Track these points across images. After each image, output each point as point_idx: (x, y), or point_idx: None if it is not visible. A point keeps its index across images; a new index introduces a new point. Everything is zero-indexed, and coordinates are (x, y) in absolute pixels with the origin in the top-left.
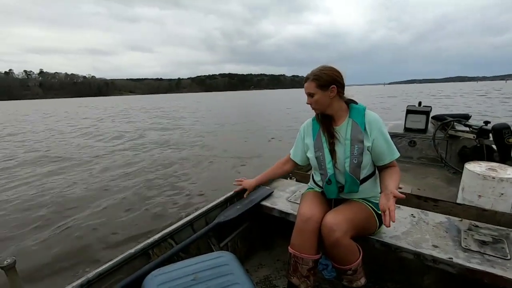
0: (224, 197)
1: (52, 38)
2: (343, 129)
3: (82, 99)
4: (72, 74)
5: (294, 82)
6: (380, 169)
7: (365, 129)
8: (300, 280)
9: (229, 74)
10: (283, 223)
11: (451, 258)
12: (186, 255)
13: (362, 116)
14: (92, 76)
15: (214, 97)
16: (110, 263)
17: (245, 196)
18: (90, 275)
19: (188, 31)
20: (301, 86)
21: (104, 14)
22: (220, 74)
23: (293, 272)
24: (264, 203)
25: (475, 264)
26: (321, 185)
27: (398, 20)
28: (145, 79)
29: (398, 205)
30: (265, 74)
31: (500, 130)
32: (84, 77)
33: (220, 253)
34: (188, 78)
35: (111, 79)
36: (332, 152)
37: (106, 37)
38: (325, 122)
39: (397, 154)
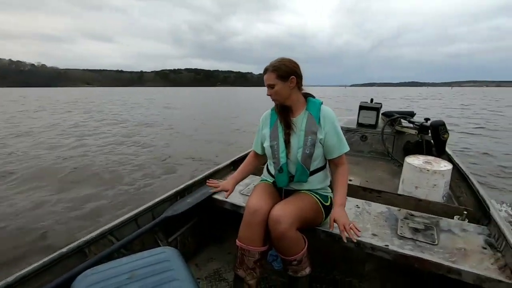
0: (174, 190)
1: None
2: (300, 120)
3: (28, 89)
4: (18, 61)
5: (261, 80)
6: (330, 163)
7: (319, 122)
8: (246, 272)
9: (195, 69)
10: (235, 216)
11: (387, 246)
12: (128, 252)
13: (318, 109)
14: (42, 65)
15: (177, 92)
16: (38, 263)
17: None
18: (10, 279)
19: (155, 23)
20: None
21: None
22: (185, 69)
23: (240, 265)
24: (217, 196)
25: (407, 250)
26: (272, 173)
27: (361, 27)
28: (105, 70)
29: (347, 197)
30: (232, 71)
31: (437, 127)
32: (33, 65)
33: (162, 249)
34: (152, 72)
35: (65, 69)
36: (287, 142)
37: (63, 23)
38: (283, 113)
39: (346, 149)
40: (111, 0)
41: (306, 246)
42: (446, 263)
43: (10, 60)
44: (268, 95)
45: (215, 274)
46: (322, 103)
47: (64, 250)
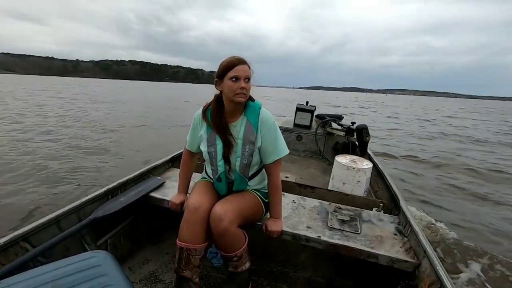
0: (104, 189)
1: None
2: (237, 127)
3: None
4: None
5: (211, 78)
6: (265, 168)
7: (257, 130)
8: (193, 271)
9: (141, 62)
10: (174, 215)
11: (320, 236)
12: (48, 260)
13: (257, 115)
14: None
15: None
16: None
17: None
18: None
19: (97, 8)
20: None
21: None
22: (130, 61)
23: (185, 265)
24: (154, 194)
25: (336, 239)
26: (212, 177)
27: (311, 32)
28: (30, 56)
29: (284, 193)
30: (182, 67)
31: (361, 130)
32: None
33: (91, 253)
34: (90, 61)
35: None
36: (224, 150)
37: None
38: (220, 117)
39: (281, 154)
40: None
41: (246, 242)
42: (367, 249)
43: None
44: (242, 87)
45: (151, 277)
46: (261, 107)
47: None
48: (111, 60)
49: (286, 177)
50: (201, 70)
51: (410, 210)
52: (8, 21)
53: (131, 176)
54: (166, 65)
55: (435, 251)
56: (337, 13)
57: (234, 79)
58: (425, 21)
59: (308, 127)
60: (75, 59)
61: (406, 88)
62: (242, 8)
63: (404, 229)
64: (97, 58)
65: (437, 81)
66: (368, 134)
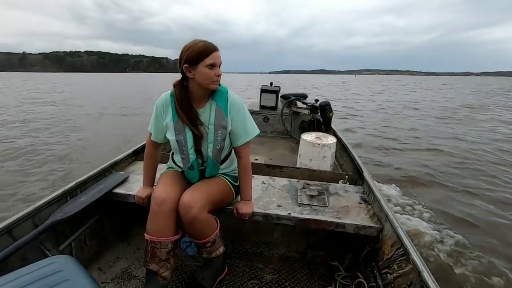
0: (62, 190)
1: None
2: (206, 112)
3: None
4: None
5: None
6: (234, 150)
7: (227, 113)
8: (159, 265)
9: (98, 52)
10: (141, 210)
11: (290, 213)
12: (3, 273)
13: (225, 99)
14: None
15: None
16: None
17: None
18: None
19: None
20: None
21: None
22: (86, 52)
23: (151, 259)
24: (117, 190)
25: (305, 214)
26: (181, 166)
27: (278, 15)
28: None
29: (253, 175)
30: (145, 56)
31: (324, 107)
32: None
33: (51, 259)
34: (40, 54)
35: None
36: (195, 137)
37: None
38: (186, 105)
39: (251, 135)
40: None
41: (218, 227)
42: (335, 220)
43: None
44: (219, 74)
45: (124, 274)
46: (228, 91)
47: None
48: (64, 52)
49: (256, 159)
50: (166, 58)
51: (372, 180)
52: None
53: (91, 173)
54: (127, 54)
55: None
56: None
57: (210, 66)
58: (389, 1)
59: (274, 108)
60: (21, 52)
61: (371, 68)
62: None
63: (368, 197)
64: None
65: (400, 61)
66: (331, 110)
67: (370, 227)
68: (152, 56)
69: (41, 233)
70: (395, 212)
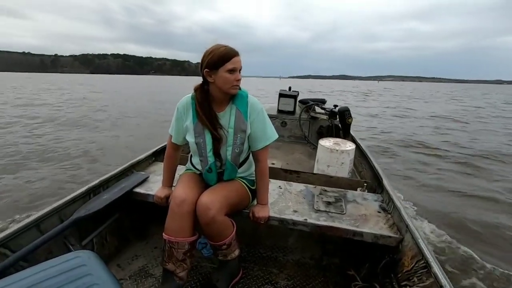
0: (86, 187)
1: None
2: (226, 116)
3: None
4: None
5: (198, 69)
6: (252, 154)
7: (247, 118)
8: (176, 264)
9: (124, 55)
10: (160, 210)
11: (306, 219)
12: (30, 265)
13: (246, 104)
14: None
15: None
16: None
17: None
18: None
19: (80, 0)
20: None
21: None
22: (112, 54)
23: (168, 258)
24: (138, 189)
25: (322, 221)
26: (199, 168)
27: (300, 19)
28: (4, 51)
29: (270, 179)
30: (168, 59)
31: (343, 112)
32: None
33: (75, 253)
34: (70, 56)
35: None
36: (214, 140)
37: None
38: (207, 108)
39: (270, 140)
40: None
41: (234, 230)
42: (352, 228)
43: None
44: (239, 79)
45: (141, 272)
46: (248, 95)
47: None
48: (92, 54)
49: (273, 163)
50: (188, 61)
51: (393, 188)
52: None
53: (113, 172)
54: (151, 57)
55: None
56: None
57: (230, 71)
58: (413, 6)
59: (292, 112)
60: (53, 54)
61: (395, 74)
62: None
63: (388, 206)
64: (79, 52)
65: (425, 67)
66: (350, 116)
67: (390, 237)
68: (175, 59)
69: (66, 228)
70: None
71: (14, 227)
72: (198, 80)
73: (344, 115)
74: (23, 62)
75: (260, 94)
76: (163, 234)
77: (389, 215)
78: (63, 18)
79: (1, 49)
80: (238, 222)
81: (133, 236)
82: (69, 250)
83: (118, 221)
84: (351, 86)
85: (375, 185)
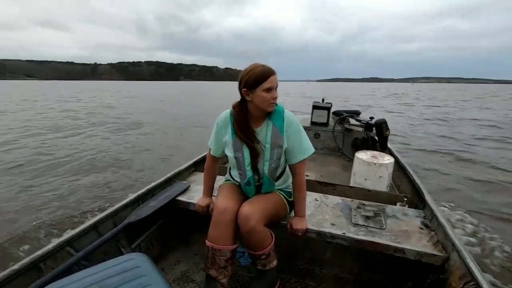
0: (135, 195)
1: None
2: (263, 132)
3: None
4: None
5: (227, 74)
6: (289, 167)
7: (283, 133)
8: (218, 271)
9: (156, 62)
10: (200, 218)
11: (345, 233)
12: (90, 263)
13: (282, 119)
14: None
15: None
16: None
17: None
18: None
19: (117, 11)
20: (234, 80)
21: None
22: (146, 62)
23: (211, 265)
24: (180, 198)
25: (361, 235)
26: (238, 181)
27: (329, 22)
28: (52, 61)
29: (306, 191)
30: (197, 65)
31: (380, 125)
32: None
33: (130, 255)
34: (108, 64)
35: (3, 59)
36: (252, 155)
37: (8, 7)
38: (245, 124)
39: (307, 154)
40: None
41: (273, 241)
42: (393, 244)
43: None
44: (275, 97)
45: (183, 277)
46: (284, 110)
47: (15, 267)
48: (128, 62)
49: (307, 175)
50: (216, 67)
51: (436, 204)
52: (34, 29)
53: (158, 181)
54: (181, 64)
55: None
56: (355, 0)
57: (267, 90)
58: (450, 4)
59: (325, 124)
60: (93, 63)
61: (430, 76)
62: (258, 2)
63: (431, 222)
64: (115, 60)
65: (464, 67)
66: (387, 128)
67: (434, 255)
68: (204, 65)
69: (119, 232)
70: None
71: (78, 229)
72: (227, 84)
73: (381, 127)
74: (67, 71)
75: (288, 99)
76: (206, 241)
77: (433, 232)
78: (102, 28)
79: (49, 59)
80: (276, 233)
81: (175, 242)
82: (121, 252)
83: (162, 227)
84: (382, 88)
85: (416, 200)
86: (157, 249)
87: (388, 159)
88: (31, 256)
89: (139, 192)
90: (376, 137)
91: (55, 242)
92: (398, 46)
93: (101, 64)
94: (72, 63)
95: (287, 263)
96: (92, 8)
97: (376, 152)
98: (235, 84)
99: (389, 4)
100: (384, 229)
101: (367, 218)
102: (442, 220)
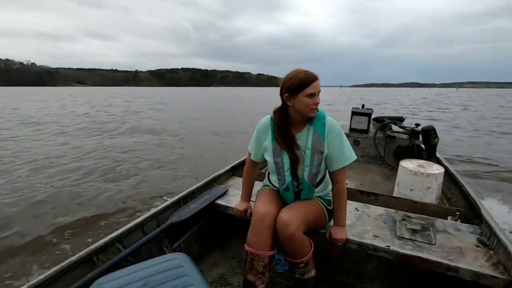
0: (177, 197)
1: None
2: (304, 137)
3: (17, 88)
4: (6, 59)
5: (259, 80)
6: (329, 174)
7: (325, 139)
8: (256, 276)
9: (192, 68)
10: (238, 222)
11: (389, 246)
12: (136, 260)
13: (323, 124)
14: (32, 63)
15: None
16: (46, 274)
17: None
18: (25, 287)
19: (158, 22)
20: (265, 85)
21: None
22: (182, 68)
23: (249, 269)
24: (219, 201)
25: (407, 250)
26: (276, 186)
27: (366, 26)
28: (98, 69)
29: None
30: (230, 71)
31: (428, 132)
32: (21, 63)
33: (173, 255)
34: (147, 71)
35: (56, 68)
36: (292, 160)
37: (63, 21)
38: (285, 130)
39: (348, 161)
40: None
41: (312, 249)
42: (445, 261)
43: None
44: (317, 103)
45: (220, 279)
46: (325, 115)
47: (73, 258)
48: (165, 69)
49: (346, 183)
50: (249, 73)
51: (495, 220)
52: (85, 40)
53: (198, 185)
54: (215, 70)
55: None
56: (396, 3)
57: (310, 95)
58: (501, 3)
59: (366, 131)
60: (134, 70)
61: (477, 81)
62: (294, 8)
63: (489, 240)
64: (154, 67)
65: None
66: (436, 136)
67: (494, 277)
68: (237, 71)
69: (162, 232)
70: None
71: (126, 227)
72: (260, 90)
73: (429, 134)
74: (112, 78)
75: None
76: (245, 245)
77: (492, 251)
78: (144, 38)
79: (96, 67)
80: (314, 242)
81: (213, 245)
82: (164, 251)
83: (201, 229)
84: (422, 93)
85: (471, 215)
86: (196, 250)
87: (437, 169)
88: (87, 249)
89: (180, 195)
90: (422, 145)
91: (106, 238)
92: (440, 49)
93: (141, 71)
94: (116, 70)
95: (324, 273)
96: (136, 19)
97: (423, 161)
98: (266, 89)
99: (431, 5)
100: (433, 244)
101: (414, 231)
102: (503, 238)
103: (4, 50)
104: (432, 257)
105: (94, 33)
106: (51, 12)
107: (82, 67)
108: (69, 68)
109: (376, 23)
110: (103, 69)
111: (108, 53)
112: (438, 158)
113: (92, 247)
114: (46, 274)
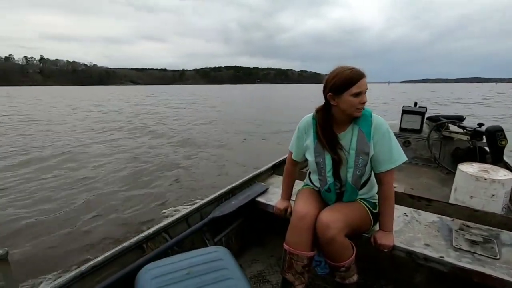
0: (219, 192)
1: (68, 25)
2: (347, 137)
3: (80, 87)
4: (73, 61)
5: (301, 77)
6: (375, 176)
7: (371, 139)
8: (295, 276)
9: (235, 66)
10: (277, 220)
11: (443, 257)
12: (180, 250)
13: (369, 124)
14: (94, 64)
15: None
16: (104, 256)
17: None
18: (84, 267)
19: (206, 22)
20: (308, 82)
21: (122, 2)
22: (225, 67)
23: (288, 269)
24: (259, 199)
25: (465, 263)
26: (317, 185)
27: (420, 18)
28: (149, 69)
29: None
30: (272, 68)
31: (493, 133)
32: (85, 65)
33: (214, 248)
34: (193, 70)
35: (113, 68)
36: (334, 160)
37: (122, 26)
38: (328, 129)
39: (396, 163)
40: (161, 1)
41: (354, 253)
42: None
43: (67, 60)
44: (364, 102)
45: (259, 276)
46: (372, 114)
47: (126, 244)
48: (209, 68)
49: (394, 186)
50: (291, 70)
51: None
52: (140, 42)
53: (239, 182)
54: (257, 68)
55: None
56: None
57: (356, 94)
58: None
59: (418, 131)
60: (181, 69)
61: None
62: (339, 3)
63: None
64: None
65: None
66: (504, 137)
67: None
68: (279, 69)
69: (205, 225)
70: None
71: (172, 218)
72: (301, 87)
73: (495, 135)
74: (161, 77)
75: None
76: (284, 244)
77: None
78: (194, 39)
79: (148, 67)
80: (357, 246)
81: (252, 241)
82: (205, 244)
83: (242, 225)
84: (485, 89)
85: None
86: (236, 245)
87: (504, 175)
88: (137, 237)
89: (222, 190)
90: (486, 148)
91: (155, 227)
92: (506, 41)
93: (188, 70)
94: (165, 69)
95: (368, 280)
96: (185, 21)
97: (486, 165)
98: (308, 86)
99: None
100: (498, 259)
101: (474, 243)
102: None
103: (70, 54)
104: (496, 274)
105: (148, 36)
106: (111, 18)
107: (135, 67)
108: (124, 68)
109: (431, 15)
110: (153, 69)
111: (158, 54)
112: (506, 162)
113: (142, 235)
114: (103, 255)
